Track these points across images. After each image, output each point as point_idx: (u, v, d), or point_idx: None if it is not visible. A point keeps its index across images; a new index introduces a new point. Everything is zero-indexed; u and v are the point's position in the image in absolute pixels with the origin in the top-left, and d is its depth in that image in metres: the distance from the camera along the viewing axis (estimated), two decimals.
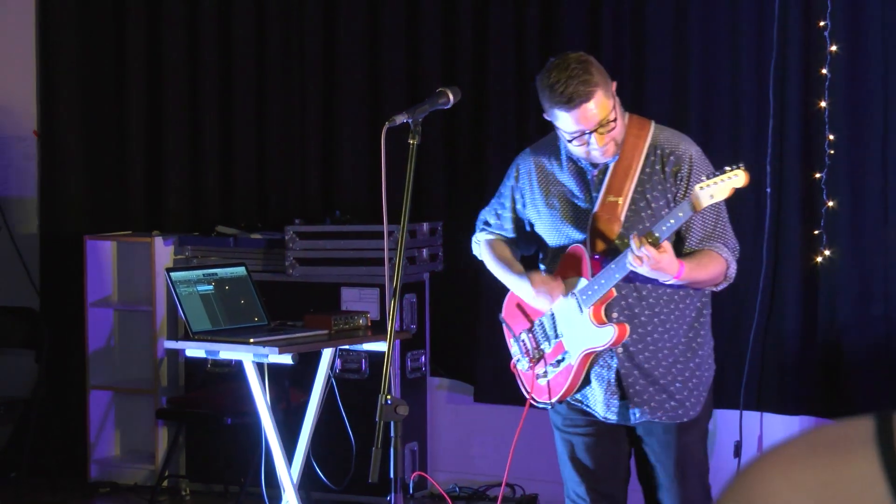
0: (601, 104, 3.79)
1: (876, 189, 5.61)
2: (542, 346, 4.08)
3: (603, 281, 3.85)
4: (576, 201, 3.97)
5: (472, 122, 6.33)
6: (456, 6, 6.31)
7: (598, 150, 3.84)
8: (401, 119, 3.72)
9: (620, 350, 3.94)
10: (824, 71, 5.61)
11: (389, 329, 3.58)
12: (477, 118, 6.30)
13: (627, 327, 3.90)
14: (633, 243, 3.68)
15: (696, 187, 3.68)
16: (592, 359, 3.97)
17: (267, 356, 5.06)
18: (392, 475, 3.67)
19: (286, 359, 5.06)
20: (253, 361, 5.16)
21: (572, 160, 3.98)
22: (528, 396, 4.13)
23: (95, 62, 7.13)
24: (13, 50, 7.30)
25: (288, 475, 5.26)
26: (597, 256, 3.90)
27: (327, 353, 5.39)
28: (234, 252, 6.49)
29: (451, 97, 3.83)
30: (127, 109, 7.04)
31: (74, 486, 6.81)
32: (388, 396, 3.54)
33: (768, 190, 5.69)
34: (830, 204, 5.63)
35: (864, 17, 5.59)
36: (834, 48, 5.59)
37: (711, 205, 3.80)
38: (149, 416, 6.74)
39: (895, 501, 1.19)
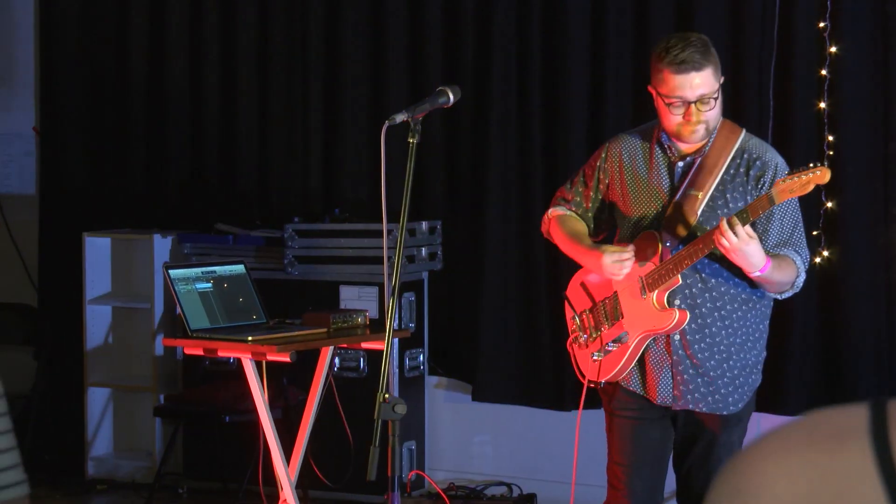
0: (708, 80, 3.90)
1: (874, 189, 5.62)
2: (601, 326, 4.16)
3: (671, 266, 3.94)
4: (658, 189, 4.06)
5: (473, 122, 6.33)
6: (458, 5, 6.32)
7: (691, 126, 3.93)
8: (401, 117, 3.73)
9: (678, 337, 4.02)
10: (824, 72, 5.62)
11: (388, 328, 3.59)
12: (477, 117, 6.30)
13: (687, 314, 3.98)
14: (723, 223, 3.73)
15: (779, 180, 3.75)
16: (648, 343, 4.06)
17: (265, 354, 5.06)
18: (390, 474, 3.67)
19: (284, 357, 5.05)
20: (251, 359, 5.16)
21: (663, 149, 4.08)
22: (580, 377, 4.22)
23: (96, 59, 7.14)
24: (14, 46, 7.30)
25: (286, 473, 5.26)
26: (668, 244, 3.98)
27: (326, 352, 5.38)
28: (233, 250, 6.49)
29: (451, 96, 3.84)
30: (127, 106, 7.04)
31: (72, 483, 6.81)
32: (387, 395, 3.55)
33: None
34: (829, 205, 5.64)
35: (863, 18, 5.60)
36: (834, 49, 5.60)
37: (791, 212, 3.98)
38: (147, 414, 6.72)
39: (887, 491, 1.19)
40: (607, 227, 4.28)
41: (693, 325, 4.01)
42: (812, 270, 5.67)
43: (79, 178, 7.15)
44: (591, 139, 5.96)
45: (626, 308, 4.09)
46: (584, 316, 4.25)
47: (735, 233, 3.72)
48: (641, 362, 4.10)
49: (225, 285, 5.43)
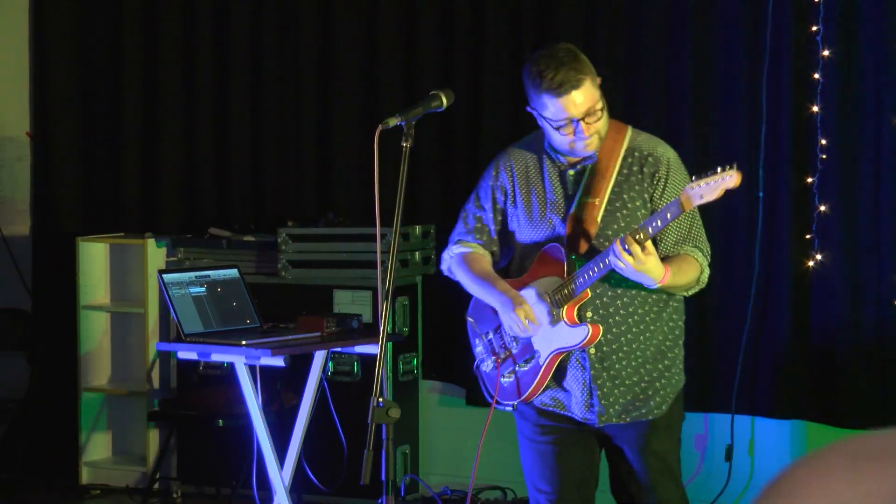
0: (589, 93, 3.80)
1: (868, 193, 5.61)
2: (510, 346, 4.04)
3: (580, 281, 3.82)
4: (553, 201, 3.94)
5: (466, 125, 6.33)
6: (452, 9, 6.32)
7: (583, 141, 3.83)
8: (394, 122, 3.70)
9: (593, 351, 3.90)
10: (817, 76, 5.62)
11: (382, 332, 3.59)
12: (471, 121, 6.30)
13: (600, 328, 3.87)
14: (616, 245, 3.65)
15: (687, 187, 3.63)
16: (563, 359, 3.93)
17: (259, 358, 5.07)
18: (384, 478, 3.67)
19: (278, 361, 5.06)
20: (245, 364, 5.16)
21: (551, 160, 3.96)
22: (490, 399, 4.09)
23: (89, 63, 7.13)
24: (6, 51, 7.30)
25: (279, 477, 5.26)
26: (573, 257, 3.87)
27: (319, 356, 5.38)
28: (226, 254, 6.48)
29: (444, 100, 3.81)
30: (121, 111, 7.03)
31: (66, 489, 6.79)
32: (380, 399, 3.53)
33: (760, 194, 5.70)
34: (822, 208, 5.64)
35: (856, 22, 5.60)
36: (826, 53, 5.60)
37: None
38: (141, 418, 6.72)
39: None
40: (510, 248, 4.11)
41: (608, 336, 3.90)
42: (804, 274, 5.69)
43: (72, 182, 7.13)
44: None
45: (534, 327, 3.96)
46: (490, 337, 4.11)
47: (631, 252, 3.62)
48: (558, 379, 3.96)
49: (219, 290, 5.44)
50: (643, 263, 3.64)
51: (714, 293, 5.85)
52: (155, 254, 6.71)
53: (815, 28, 5.62)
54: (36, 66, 7.21)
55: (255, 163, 6.82)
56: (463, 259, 4.11)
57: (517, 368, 4.01)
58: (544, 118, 3.85)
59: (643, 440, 3.96)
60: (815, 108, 5.63)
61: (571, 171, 3.93)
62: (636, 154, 3.91)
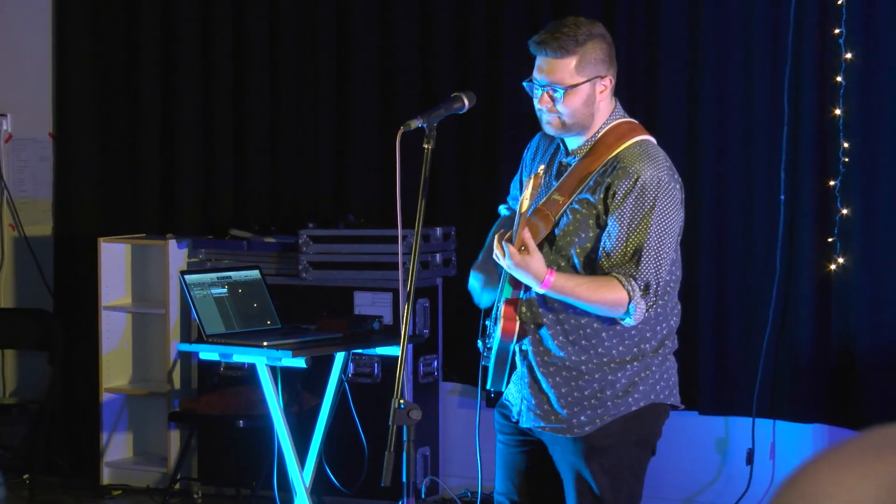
0: (562, 70, 3.64)
1: (890, 196, 5.61)
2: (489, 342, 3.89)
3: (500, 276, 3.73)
4: (545, 189, 3.79)
5: (487, 127, 6.33)
6: (470, 10, 6.32)
7: (542, 112, 3.70)
8: (416, 123, 3.68)
9: (524, 349, 3.77)
10: (839, 78, 5.61)
11: (402, 333, 3.58)
12: (491, 123, 6.30)
13: (516, 325, 3.69)
14: (495, 241, 3.56)
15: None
16: (513, 355, 3.78)
17: (280, 359, 5.08)
18: (404, 479, 3.66)
19: (299, 362, 5.07)
20: (266, 364, 5.16)
21: (559, 147, 3.83)
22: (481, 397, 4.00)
23: (110, 65, 7.16)
24: (29, 53, 7.33)
25: (300, 479, 5.27)
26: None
27: (340, 357, 5.39)
28: (247, 255, 6.50)
29: (466, 102, 3.79)
30: (141, 112, 7.05)
31: (87, 488, 6.83)
32: (401, 401, 3.51)
33: (782, 197, 5.69)
34: (845, 211, 5.63)
35: (878, 24, 5.60)
36: (849, 56, 5.59)
37: (642, 228, 3.60)
38: (161, 419, 6.75)
39: None
40: None
41: (536, 337, 3.74)
42: (826, 278, 5.67)
43: (94, 183, 7.17)
44: None
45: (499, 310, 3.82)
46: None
47: (505, 249, 3.51)
48: (510, 375, 3.84)
49: (240, 291, 5.45)
50: (516, 263, 3.53)
51: (735, 296, 5.87)
52: (176, 255, 6.74)
53: (837, 31, 5.61)
54: (58, 69, 7.24)
55: (275, 164, 6.84)
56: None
57: (485, 354, 3.88)
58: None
59: (569, 456, 3.76)
60: (838, 111, 5.62)
61: (565, 162, 3.76)
62: (615, 164, 3.65)
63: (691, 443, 6.06)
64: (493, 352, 3.79)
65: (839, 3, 5.59)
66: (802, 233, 5.72)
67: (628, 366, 3.73)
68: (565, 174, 3.72)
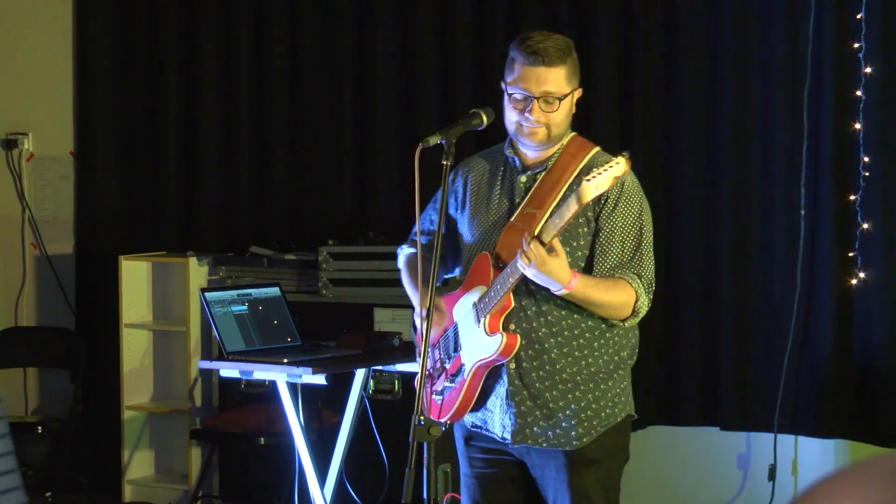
0: (557, 79, 3.70)
1: None
2: (445, 362, 3.87)
3: (498, 287, 3.68)
4: (499, 211, 3.82)
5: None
6: (489, 26, 6.33)
7: (529, 125, 3.71)
8: (434, 140, 3.68)
9: (513, 365, 3.74)
10: (859, 93, 5.60)
11: (423, 350, 3.58)
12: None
13: (518, 338, 3.70)
14: (524, 241, 3.53)
15: (584, 179, 3.46)
16: (488, 373, 3.77)
17: (300, 376, 5.08)
18: (425, 497, 3.66)
19: (319, 379, 5.08)
20: (287, 382, 5.18)
21: (508, 166, 3.84)
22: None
23: (131, 84, 7.20)
24: (50, 72, 7.37)
25: (321, 495, 5.28)
26: (501, 265, 3.71)
27: (360, 374, 5.40)
28: (267, 272, 6.51)
29: (484, 118, 3.78)
30: (162, 130, 7.09)
31: None
32: (422, 417, 3.50)
33: (802, 212, 5.69)
34: (865, 226, 5.61)
35: None
36: (868, 70, 5.58)
37: (633, 232, 3.72)
38: (183, 436, 6.76)
39: None
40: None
41: (530, 352, 3.72)
42: (847, 292, 5.66)
43: (115, 201, 7.20)
44: None
45: (463, 339, 3.81)
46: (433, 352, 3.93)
47: (533, 251, 3.49)
48: (485, 396, 3.80)
49: (260, 308, 5.46)
50: (546, 264, 3.52)
51: (756, 311, 5.87)
52: (196, 272, 6.75)
53: (857, 45, 5.60)
54: (79, 88, 7.28)
55: (295, 182, 6.86)
56: (406, 261, 4.07)
57: (446, 384, 3.85)
58: (506, 85, 3.76)
59: (564, 472, 3.75)
60: (858, 126, 5.61)
61: (523, 178, 3.79)
62: (591, 173, 3.59)
63: (713, 458, 6.06)
64: (465, 376, 3.76)
65: (858, 17, 5.58)
66: (823, 247, 5.70)
67: (615, 375, 3.80)
68: (535, 187, 3.75)
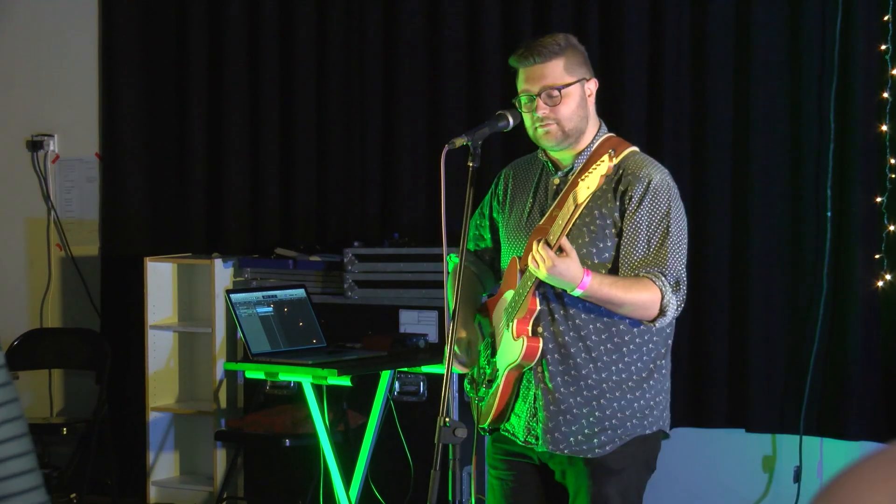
0: (554, 71, 3.69)
1: None
2: (484, 370, 3.87)
3: (521, 290, 3.69)
4: (532, 211, 3.82)
5: (531, 145, 6.32)
6: (515, 29, 6.32)
7: (540, 125, 3.71)
8: (461, 142, 3.69)
9: (540, 370, 3.72)
10: (885, 95, 5.60)
11: (448, 352, 3.58)
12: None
13: (540, 342, 3.68)
14: (533, 244, 3.53)
15: (579, 179, 3.45)
16: (518, 378, 3.76)
17: (326, 378, 5.10)
18: (450, 498, 3.67)
19: (345, 381, 5.09)
20: (312, 383, 5.19)
21: (544, 169, 3.85)
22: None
23: (156, 86, 7.23)
24: (76, 75, 7.40)
25: (346, 497, 5.29)
26: (525, 268, 3.69)
27: (386, 376, 5.41)
28: (293, 274, 6.52)
29: (510, 120, 3.77)
30: (187, 133, 7.11)
31: None
32: (447, 419, 3.50)
33: (829, 214, 5.69)
34: (892, 228, 5.62)
35: None
36: (895, 72, 5.57)
37: (660, 229, 3.67)
38: (208, 438, 6.78)
39: None
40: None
41: (556, 356, 3.70)
42: (873, 295, 5.66)
43: (140, 203, 7.23)
44: None
45: (498, 345, 3.81)
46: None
47: (540, 254, 3.50)
48: (513, 397, 3.80)
49: (285, 310, 5.48)
50: (555, 266, 3.49)
51: (782, 313, 5.87)
52: (222, 274, 6.77)
53: (883, 47, 5.60)
54: (104, 90, 7.31)
55: (321, 183, 6.87)
56: (451, 275, 3.97)
57: (485, 391, 3.85)
58: (518, 94, 3.78)
59: (585, 479, 3.73)
60: (884, 128, 5.61)
61: (556, 180, 3.79)
62: (620, 171, 3.69)
63: (738, 460, 6.06)
64: (499, 381, 3.77)
65: (885, 19, 5.59)
66: (849, 250, 5.70)
67: (645, 385, 3.75)
68: (564, 190, 3.72)
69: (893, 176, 5.59)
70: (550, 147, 3.78)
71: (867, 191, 5.65)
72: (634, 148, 3.81)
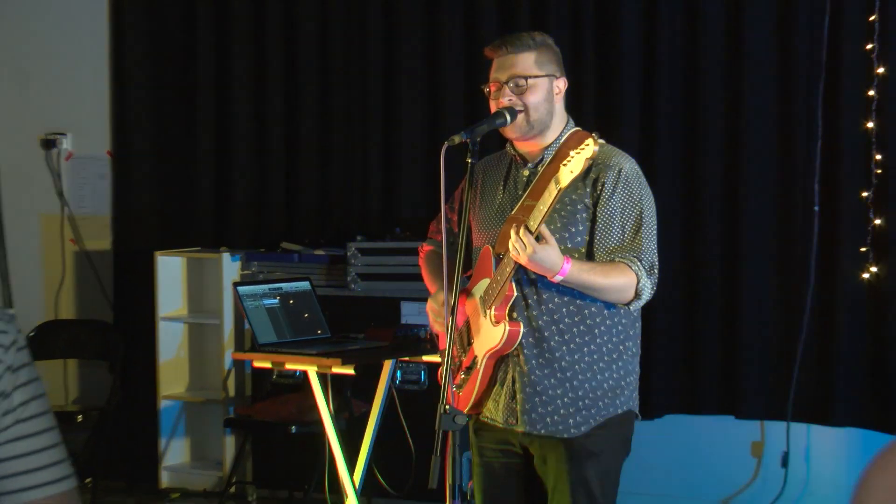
0: (524, 63, 3.77)
1: None
2: (461, 356, 3.90)
3: (498, 278, 3.70)
4: (503, 203, 3.85)
5: None
6: (516, 24, 6.30)
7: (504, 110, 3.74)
8: (459, 139, 3.68)
9: (516, 353, 3.76)
10: (872, 93, 5.64)
11: (448, 341, 3.57)
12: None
13: (520, 327, 3.72)
14: (513, 231, 3.55)
15: (560, 164, 3.46)
16: (497, 363, 3.81)
17: (330, 367, 5.13)
18: (450, 482, 3.67)
19: (349, 370, 5.11)
20: (317, 372, 5.22)
21: (513, 163, 3.88)
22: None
23: (166, 86, 7.25)
24: (88, 74, 7.42)
25: (350, 481, 5.32)
26: (501, 256, 3.72)
27: (388, 365, 5.44)
28: (298, 267, 6.53)
29: (508, 117, 3.77)
30: (195, 130, 7.14)
31: (146, 492, 6.91)
32: (447, 406, 3.51)
33: (816, 208, 5.72)
34: (877, 222, 5.66)
35: None
36: (881, 70, 5.61)
37: (633, 216, 3.71)
38: (217, 425, 6.79)
39: None
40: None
41: (531, 340, 3.74)
42: (859, 286, 5.70)
43: (151, 199, 7.26)
44: (640, 163, 6.02)
45: (474, 332, 3.84)
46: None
47: (521, 240, 3.52)
48: (492, 385, 3.84)
49: (291, 301, 5.51)
50: (536, 253, 3.53)
51: (771, 304, 5.89)
52: (230, 267, 6.80)
53: (870, 46, 5.63)
54: (115, 90, 7.33)
55: (325, 179, 6.89)
56: (424, 258, 4.12)
57: (463, 377, 3.88)
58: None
59: (564, 463, 3.77)
60: (871, 125, 5.64)
61: (525, 172, 3.82)
62: (590, 162, 3.59)
63: (727, 446, 6.10)
64: (478, 367, 3.80)
65: (871, 19, 5.62)
66: (836, 243, 5.73)
67: (614, 365, 3.79)
68: (535, 180, 3.77)
69: (879, 171, 5.63)
70: (515, 136, 3.82)
71: (854, 186, 5.68)
72: (603, 141, 3.84)
